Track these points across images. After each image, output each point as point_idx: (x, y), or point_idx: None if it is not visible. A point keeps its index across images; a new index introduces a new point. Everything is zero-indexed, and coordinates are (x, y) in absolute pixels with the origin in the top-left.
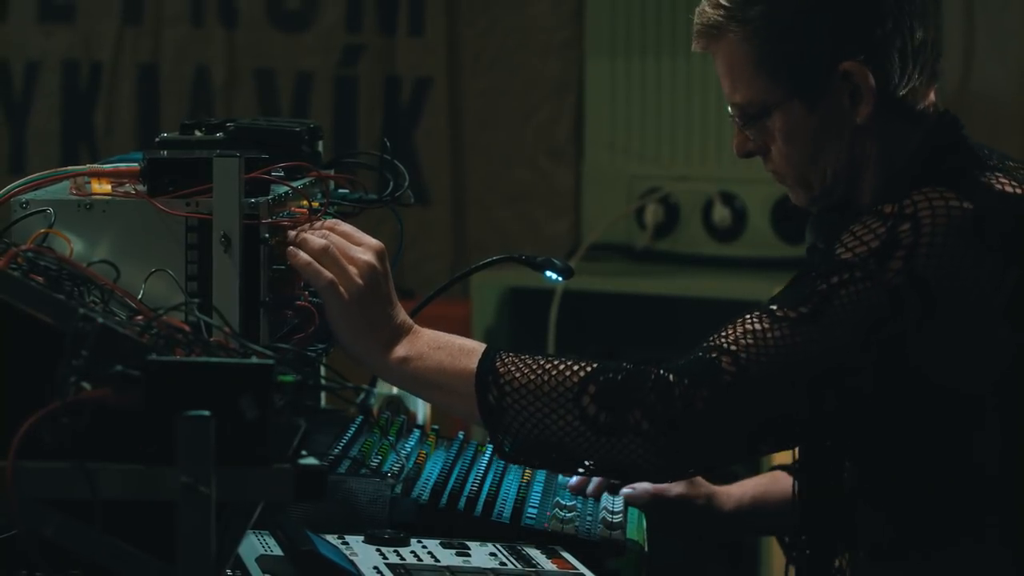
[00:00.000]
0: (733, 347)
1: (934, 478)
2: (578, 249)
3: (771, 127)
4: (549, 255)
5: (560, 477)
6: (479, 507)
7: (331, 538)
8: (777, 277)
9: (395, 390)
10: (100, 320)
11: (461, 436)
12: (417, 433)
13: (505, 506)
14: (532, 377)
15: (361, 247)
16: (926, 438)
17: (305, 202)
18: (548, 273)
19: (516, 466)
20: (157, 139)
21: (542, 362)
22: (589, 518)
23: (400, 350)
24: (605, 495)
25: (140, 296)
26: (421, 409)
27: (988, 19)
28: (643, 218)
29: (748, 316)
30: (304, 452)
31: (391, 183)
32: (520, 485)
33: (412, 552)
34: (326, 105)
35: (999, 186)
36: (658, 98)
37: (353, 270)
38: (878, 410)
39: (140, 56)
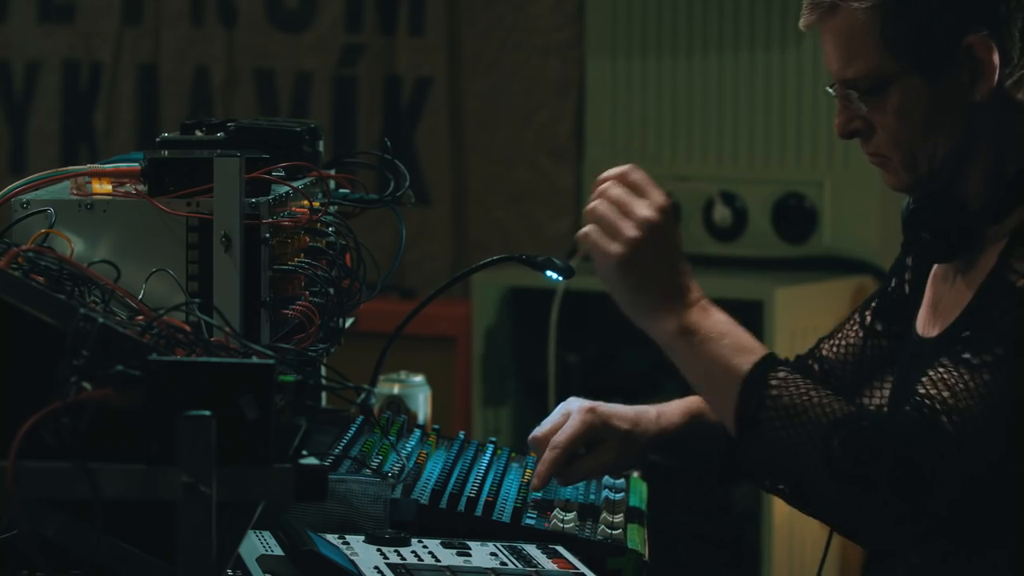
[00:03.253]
0: (948, 410)
1: None
2: (579, 249)
3: (885, 102)
4: (550, 255)
5: None
6: (480, 507)
7: (332, 538)
8: (778, 276)
9: (396, 390)
10: (101, 320)
11: (462, 436)
12: (418, 433)
13: (506, 506)
14: (798, 402)
15: (644, 201)
16: None
17: (306, 202)
18: (549, 273)
19: (516, 465)
20: (158, 139)
21: (811, 389)
22: (590, 518)
23: (684, 320)
24: (606, 492)
25: (141, 296)
26: (422, 409)
27: None
28: None
29: (945, 370)
30: (305, 452)
31: (392, 183)
32: (521, 485)
33: (413, 552)
34: (325, 105)
35: None
36: (659, 98)
37: (627, 223)
38: None
39: (140, 56)
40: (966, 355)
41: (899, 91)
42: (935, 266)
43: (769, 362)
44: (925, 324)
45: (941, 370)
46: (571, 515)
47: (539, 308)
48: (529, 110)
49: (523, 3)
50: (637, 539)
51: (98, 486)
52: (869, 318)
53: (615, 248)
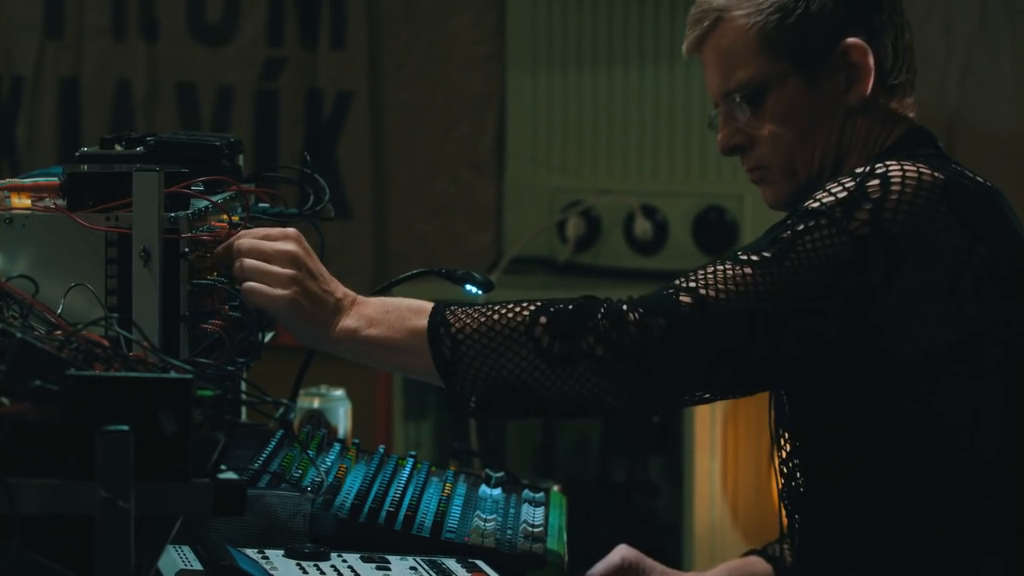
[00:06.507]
0: (692, 284)
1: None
2: (500, 262)
3: (766, 109)
4: (471, 268)
5: (482, 489)
6: (399, 521)
7: (251, 552)
8: None
9: (316, 404)
10: (19, 335)
11: (382, 450)
12: (338, 447)
13: (426, 520)
14: (483, 320)
15: (276, 240)
16: (887, 427)
17: (225, 216)
18: (468, 287)
19: (436, 479)
20: (77, 153)
21: (492, 306)
22: (510, 531)
23: (349, 321)
24: (525, 506)
25: (59, 311)
26: (342, 423)
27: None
28: (565, 231)
29: (712, 262)
30: (223, 467)
31: (312, 197)
32: (441, 499)
33: (332, 566)
34: (247, 119)
35: (969, 173)
36: (579, 111)
37: (275, 269)
38: (839, 373)
39: (61, 70)
40: (738, 252)
41: (779, 95)
42: None
43: (441, 307)
44: None
45: (712, 262)
46: (491, 528)
47: None
48: (450, 123)
49: (444, 17)
50: (557, 552)
51: (16, 501)
52: None
53: (281, 292)
